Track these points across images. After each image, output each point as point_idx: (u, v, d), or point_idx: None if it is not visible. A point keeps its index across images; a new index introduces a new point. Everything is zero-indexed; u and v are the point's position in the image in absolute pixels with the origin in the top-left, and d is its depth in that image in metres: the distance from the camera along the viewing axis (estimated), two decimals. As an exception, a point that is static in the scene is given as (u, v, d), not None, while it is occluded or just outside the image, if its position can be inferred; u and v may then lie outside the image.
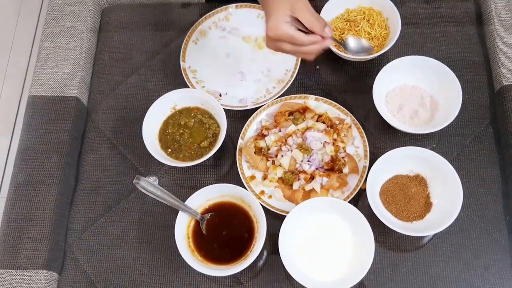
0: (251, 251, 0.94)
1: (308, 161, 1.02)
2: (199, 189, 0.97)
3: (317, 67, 1.16)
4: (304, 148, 1.03)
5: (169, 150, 1.07)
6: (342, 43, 1.04)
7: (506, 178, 1.03)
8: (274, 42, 0.88)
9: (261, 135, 1.06)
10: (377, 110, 1.03)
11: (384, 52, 1.09)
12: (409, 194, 0.99)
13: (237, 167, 1.04)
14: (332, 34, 0.93)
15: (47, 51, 1.18)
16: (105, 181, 1.09)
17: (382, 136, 1.07)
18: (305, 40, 0.86)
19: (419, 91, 1.07)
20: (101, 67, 1.21)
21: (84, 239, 1.04)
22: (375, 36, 1.12)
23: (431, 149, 0.99)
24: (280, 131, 1.06)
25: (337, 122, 1.06)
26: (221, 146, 1.03)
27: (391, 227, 0.93)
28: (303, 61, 1.13)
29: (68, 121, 1.11)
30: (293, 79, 1.11)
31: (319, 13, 1.12)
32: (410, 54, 1.07)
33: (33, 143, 1.09)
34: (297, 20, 0.87)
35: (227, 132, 1.04)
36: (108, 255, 1.02)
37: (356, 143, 1.05)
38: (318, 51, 0.93)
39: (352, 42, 1.06)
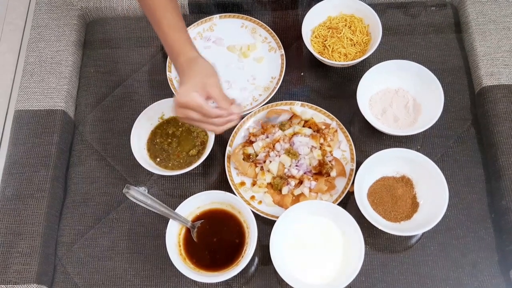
0: (242, 256, 0.94)
1: (296, 165, 1.03)
2: (188, 197, 0.98)
3: (302, 74, 1.18)
4: (291, 153, 1.04)
5: (158, 159, 1.07)
6: None
7: (489, 177, 1.05)
8: (182, 109, 0.89)
9: (249, 142, 1.07)
10: (361, 114, 1.05)
11: (367, 58, 1.11)
12: (396, 195, 1.00)
13: (226, 174, 1.05)
14: (240, 110, 0.94)
15: (33, 65, 1.18)
16: (94, 193, 1.08)
17: (368, 139, 1.09)
18: (212, 112, 0.87)
19: (402, 94, 1.09)
20: (87, 80, 1.21)
21: (74, 252, 1.03)
22: (357, 42, 1.14)
23: (415, 151, 1.01)
24: (267, 137, 1.07)
25: (323, 127, 1.07)
26: (209, 154, 1.04)
27: (380, 228, 0.94)
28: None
29: (55, 134, 1.11)
30: (278, 86, 1.13)
31: (302, 22, 1.15)
32: (392, 59, 1.09)
33: (21, 157, 1.09)
34: (207, 96, 0.89)
35: (215, 140, 1.05)
36: (98, 266, 1.02)
37: (342, 147, 1.07)
38: (225, 125, 0.93)
39: None
